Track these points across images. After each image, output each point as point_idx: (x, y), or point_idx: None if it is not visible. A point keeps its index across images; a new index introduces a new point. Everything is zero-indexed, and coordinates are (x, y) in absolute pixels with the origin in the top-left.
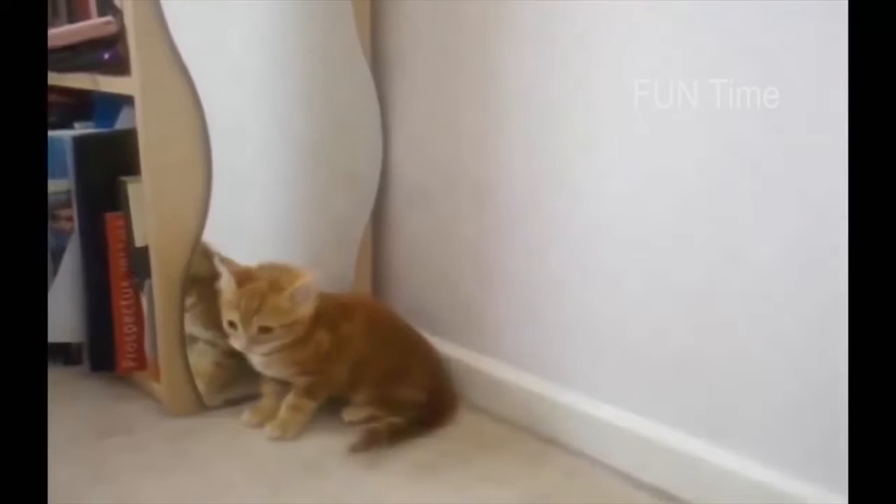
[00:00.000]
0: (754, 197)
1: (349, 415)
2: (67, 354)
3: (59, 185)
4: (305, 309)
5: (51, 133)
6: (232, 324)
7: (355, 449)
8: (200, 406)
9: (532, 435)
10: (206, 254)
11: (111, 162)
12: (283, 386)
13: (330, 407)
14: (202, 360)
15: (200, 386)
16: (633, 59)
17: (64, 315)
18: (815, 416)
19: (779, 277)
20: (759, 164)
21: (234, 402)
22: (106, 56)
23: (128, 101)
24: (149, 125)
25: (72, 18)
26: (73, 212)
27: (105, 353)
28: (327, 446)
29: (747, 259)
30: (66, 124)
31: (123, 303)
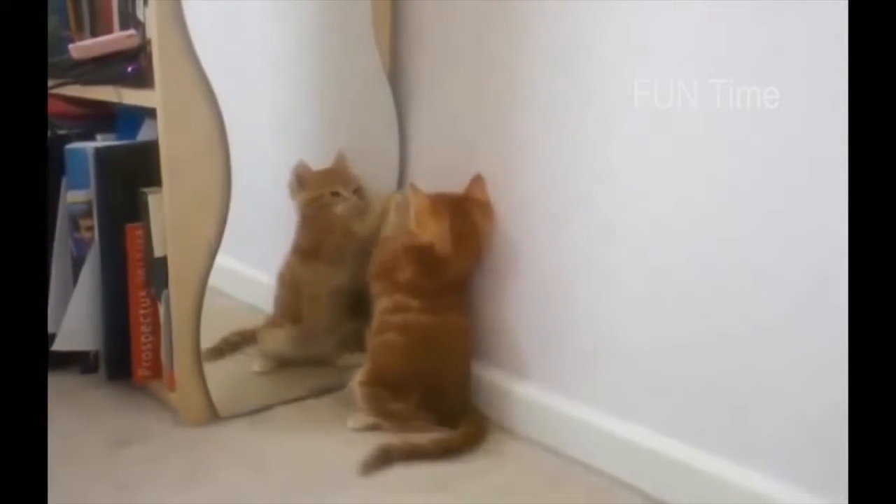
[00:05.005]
0: (755, 197)
1: (353, 422)
2: (85, 363)
3: (80, 196)
4: None
5: (73, 145)
6: None
7: (367, 468)
8: (214, 416)
9: (551, 452)
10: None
11: (132, 173)
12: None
13: (342, 417)
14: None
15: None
16: (633, 59)
17: (82, 323)
18: (837, 436)
19: (781, 280)
20: (759, 164)
21: (248, 414)
22: (129, 69)
23: (149, 113)
24: (170, 138)
25: (95, 32)
26: (94, 222)
27: (122, 361)
28: (342, 457)
29: (751, 264)
30: (88, 136)
31: (141, 312)
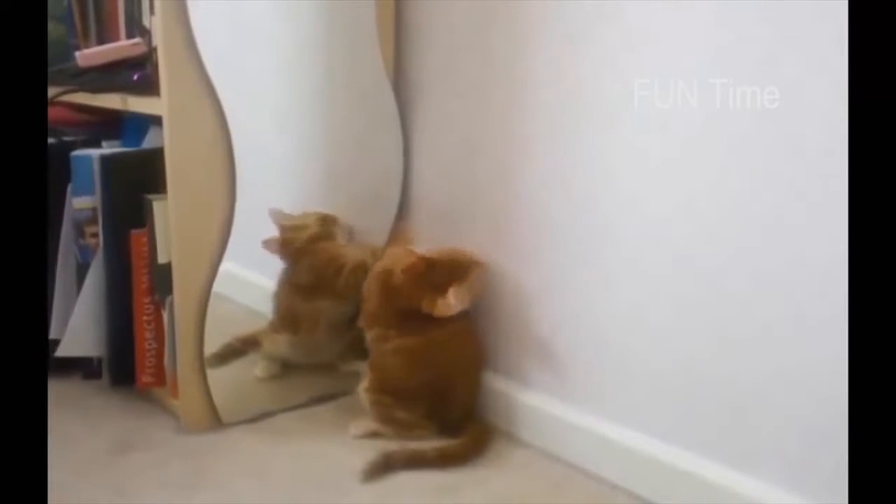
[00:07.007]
0: (755, 197)
1: (355, 429)
2: (88, 368)
3: (85, 202)
4: None
5: (78, 152)
6: None
7: (369, 474)
8: (217, 422)
9: (553, 459)
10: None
11: (137, 180)
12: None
13: (344, 424)
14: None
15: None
16: (634, 59)
17: (86, 329)
18: (838, 442)
19: (781, 282)
20: (759, 165)
21: (251, 420)
22: (135, 77)
23: (155, 120)
24: (175, 145)
25: (101, 40)
26: (99, 228)
27: (125, 367)
28: (344, 464)
29: (751, 266)
30: (93, 143)
31: (144, 318)
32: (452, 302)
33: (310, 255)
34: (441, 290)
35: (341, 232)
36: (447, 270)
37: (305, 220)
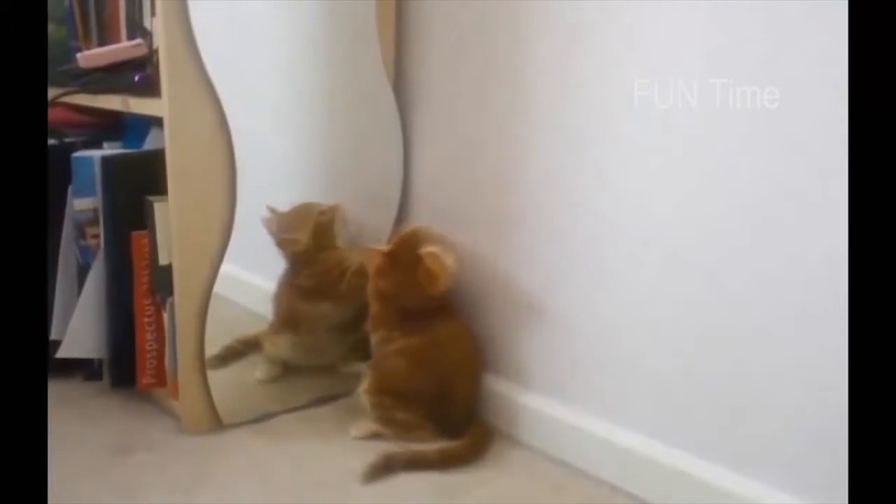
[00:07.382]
0: (755, 197)
1: (356, 430)
2: (89, 370)
3: (86, 204)
4: None
5: (80, 153)
6: None
7: (370, 476)
8: (218, 424)
9: (553, 461)
10: None
11: (138, 182)
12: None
13: (345, 426)
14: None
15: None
16: (634, 59)
17: (87, 331)
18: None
19: (781, 281)
20: (759, 165)
21: (252, 421)
22: (136, 78)
23: (156, 121)
24: (176, 146)
25: (102, 41)
26: (100, 230)
27: (126, 369)
28: (345, 465)
29: (751, 266)
30: (95, 144)
31: (145, 320)
32: (434, 251)
33: (313, 259)
34: (417, 264)
35: (341, 229)
36: (405, 249)
37: (299, 232)
